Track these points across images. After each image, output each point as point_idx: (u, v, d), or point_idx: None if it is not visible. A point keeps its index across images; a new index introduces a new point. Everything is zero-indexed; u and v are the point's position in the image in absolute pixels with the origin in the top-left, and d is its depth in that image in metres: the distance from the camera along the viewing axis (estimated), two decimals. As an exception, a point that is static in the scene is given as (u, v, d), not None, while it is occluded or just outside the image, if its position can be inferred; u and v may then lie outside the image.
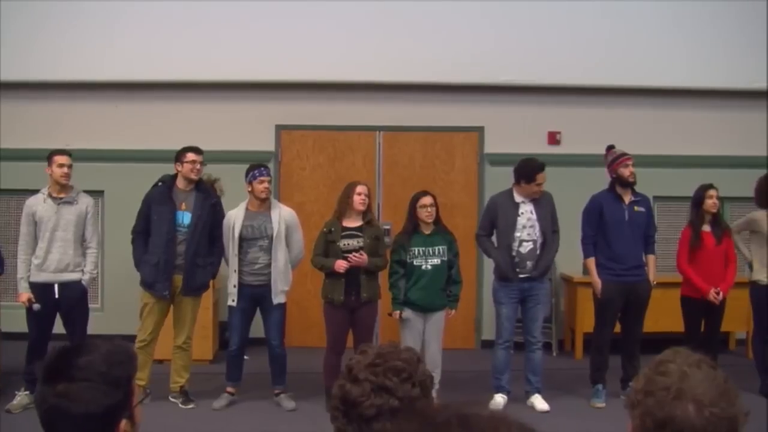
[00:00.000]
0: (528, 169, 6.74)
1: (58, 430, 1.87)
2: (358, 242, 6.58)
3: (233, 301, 6.70)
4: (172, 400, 6.67)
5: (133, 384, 1.95)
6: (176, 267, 6.58)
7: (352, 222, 6.64)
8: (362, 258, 6.49)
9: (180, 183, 6.68)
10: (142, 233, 6.67)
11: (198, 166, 6.67)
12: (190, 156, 6.64)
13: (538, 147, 8.56)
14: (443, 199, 7.60)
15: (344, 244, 6.56)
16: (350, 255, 6.51)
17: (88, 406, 1.83)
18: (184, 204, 6.63)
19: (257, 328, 6.98)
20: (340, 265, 6.47)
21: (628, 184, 6.84)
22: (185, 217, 6.60)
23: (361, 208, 6.60)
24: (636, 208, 6.87)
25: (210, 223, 6.68)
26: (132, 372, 1.95)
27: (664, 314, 7.46)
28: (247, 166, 6.89)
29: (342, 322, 6.60)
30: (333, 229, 6.63)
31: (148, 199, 6.70)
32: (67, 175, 6.54)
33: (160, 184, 6.76)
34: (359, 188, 6.64)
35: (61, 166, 6.49)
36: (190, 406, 6.62)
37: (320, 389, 6.54)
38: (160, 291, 6.54)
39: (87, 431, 1.86)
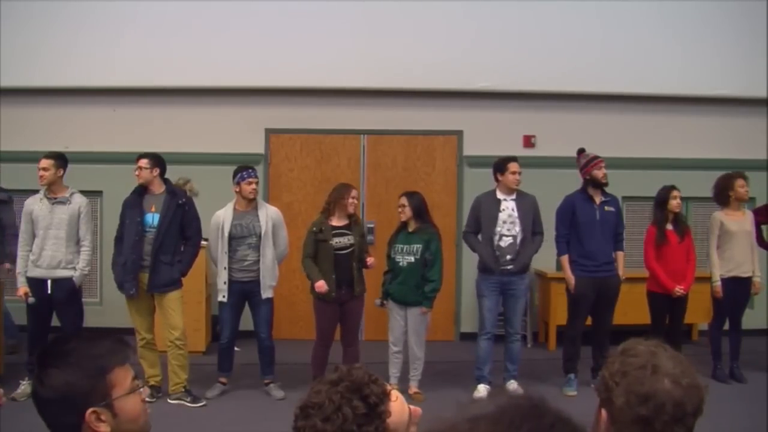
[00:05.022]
0: (500, 162, 7.05)
1: (39, 413, 1.92)
2: (348, 240, 6.82)
3: (224, 297, 6.87)
4: (172, 402, 6.67)
5: (113, 376, 1.91)
6: (144, 266, 6.65)
7: (339, 221, 6.87)
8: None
9: (149, 188, 6.76)
10: (120, 238, 6.80)
11: (138, 171, 6.72)
12: (137, 163, 6.76)
13: (514, 150, 8.60)
14: (424, 199, 7.85)
15: (336, 243, 6.80)
16: (368, 259, 6.86)
17: (49, 391, 1.87)
18: (154, 206, 6.71)
19: (247, 321, 7.15)
20: (320, 286, 6.72)
21: (601, 185, 7.10)
22: (155, 219, 6.68)
23: (353, 210, 6.88)
24: (606, 208, 7.12)
25: (179, 223, 6.74)
26: (108, 364, 1.91)
27: (632, 307, 7.74)
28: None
29: (332, 317, 6.83)
30: (323, 228, 6.84)
31: (122, 206, 6.84)
32: (42, 177, 6.70)
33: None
34: (353, 192, 6.91)
35: (38, 169, 6.72)
36: (202, 404, 6.68)
37: (307, 379, 6.62)
38: (128, 290, 6.64)
39: (54, 416, 1.89)
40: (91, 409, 1.87)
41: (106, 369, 1.91)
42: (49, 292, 6.66)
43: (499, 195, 7.03)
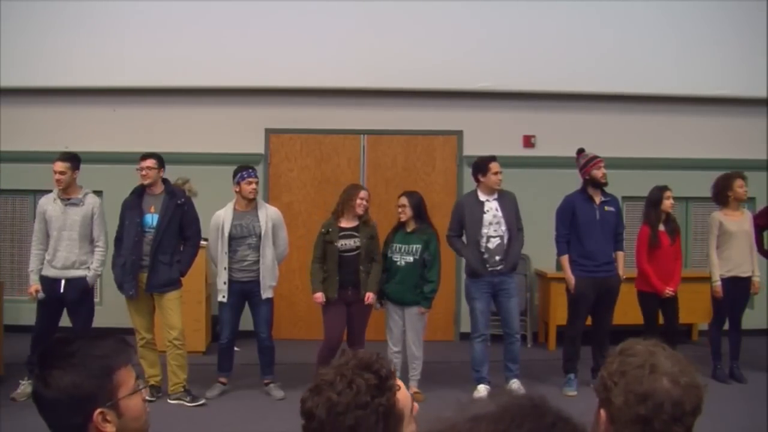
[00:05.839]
0: (480, 163, 7.02)
1: (42, 414, 1.92)
2: (355, 242, 6.81)
3: (223, 297, 6.88)
4: (172, 401, 6.67)
5: (119, 376, 1.93)
6: (143, 266, 6.67)
7: (349, 222, 6.85)
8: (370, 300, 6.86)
9: (149, 189, 6.77)
10: (119, 239, 6.80)
11: (145, 172, 6.69)
12: (141, 163, 6.74)
13: (514, 150, 8.84)
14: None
15: (341, 245, 6.78)
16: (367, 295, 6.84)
17: (55, 392, 1.87)
18: (153, 207, 6.72)
19: (247, 321, 7.16)
20: (317, 298, 6.77)
21: (601, 185, 7.10)
22: (154, 219, 6.70)
23: (361, 212, 6.85)
24: (606, 207, 7.12)
25: (178, 223, 6.76)
26: (114, 364, 1.93)
27: (631, 307, 7.65)
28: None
29: (340, 318, 6.81)
30: (330, 229, 6.82)
31: (122, 207, 6.84)
32: (59, 182, 6.68)
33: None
34: (362, 193, 6.88)
35: (54, 173, 6.69)
36: (201, 402, 6.69)
37: (308, 379, 6.55)
38: (127, 291, 6.67)
39: (59, 417, 1.90)
40: (98, 410, 1.88)
41: (112, 369, 1.92)
42: (62, 291, 6.69)
43: (482, 196, 7.00)
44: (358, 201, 6.81)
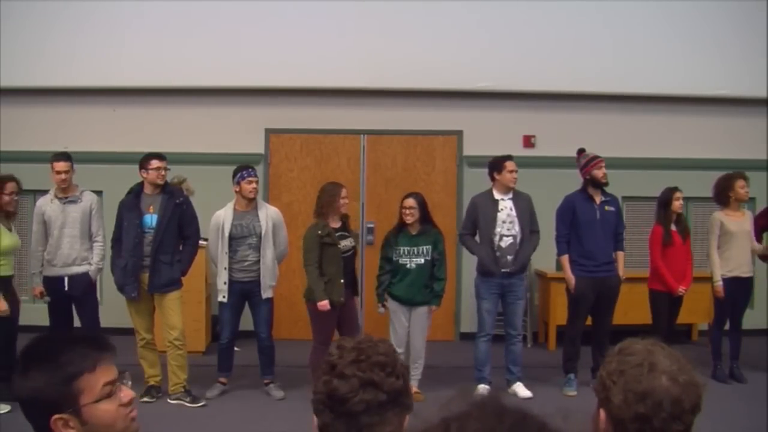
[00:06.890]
0: (496, 162, 7.06)
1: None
2: (350, 242, 6.82)
3: (223, 297, 6.87)
4: (172, 402, 6.67)
5: (81, 383, 1.85)
6: (144, 267, 6.68)
7: (335, 223, 6.80)
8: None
9: (147, 189, 6.75)
10: (118, 240, 6.79)
11: (162, 172, 6.72)
12: (155, 163, 6.70)
13: (514, 150, 8.63)
14: (424, 199, 7.83)
15: (343, 246, 6.75)
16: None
17: (21, 392, 1.86)
18: (151, 207, 6.72)
19: (247, 321, 7.16)
20: (323, 306, 6.59)
21: (601, 185, 7.11)
22: (153, 220, 6.70)
23: (345, 211, 6.86)
24: (606, 207, 7.13)
25: (177, 222, 6.77)
26: (77, 371, 1.85)
27: (631, 307, 7.77)
28: (238, 168, 7.06)
29: (334, 320, 6.75)
30: (329, 232, 6.71)
31: (120, 208, 6.83)
32: (65, 181, 6.74)
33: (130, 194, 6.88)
34: (344, 191, 6.83)
35: (58, 173, 6.73)
36: (201, 404, 6.68)
37: (307, 379, 6.38)
38: (129, 293, 6.67)
39: (27, 415, 1.88)
40: (56, 416, 1.84)
41: (73, 376, 1.85)
42: (66, 288, 6.75)
43: (497, 195, 7.02)
44: (342, 201, 6.78)
